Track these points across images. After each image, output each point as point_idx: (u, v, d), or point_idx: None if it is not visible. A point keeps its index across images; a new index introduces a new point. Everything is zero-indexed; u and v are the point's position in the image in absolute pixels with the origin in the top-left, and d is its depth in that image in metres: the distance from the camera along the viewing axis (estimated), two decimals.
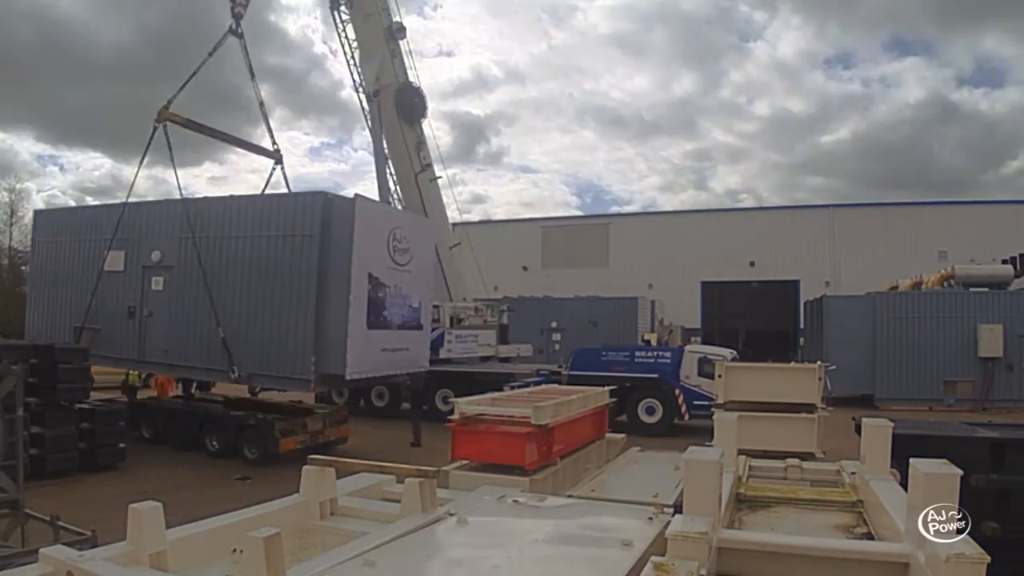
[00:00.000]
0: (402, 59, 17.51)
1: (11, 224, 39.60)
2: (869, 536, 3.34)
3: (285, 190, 15.74)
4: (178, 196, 14.29)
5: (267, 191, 15.84)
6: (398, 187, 17.82)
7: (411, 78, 17.50)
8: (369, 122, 18.30)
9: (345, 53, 18.44)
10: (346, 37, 18.24)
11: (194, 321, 12.64)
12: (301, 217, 11.86)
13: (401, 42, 17.48)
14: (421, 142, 16.63)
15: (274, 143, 16.36)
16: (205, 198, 14.36)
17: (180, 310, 12.95)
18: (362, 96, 18.63)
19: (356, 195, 12.05)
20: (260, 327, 11.95)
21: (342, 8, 17.85)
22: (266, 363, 11.93)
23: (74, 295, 14.49)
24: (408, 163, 16.57)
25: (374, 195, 16.53)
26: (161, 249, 13.25)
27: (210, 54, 15.08)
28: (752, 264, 38.95)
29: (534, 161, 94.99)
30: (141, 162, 14.70)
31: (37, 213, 18.95)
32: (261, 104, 16.18)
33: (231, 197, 13.83)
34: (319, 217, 11.60)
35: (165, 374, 15.19)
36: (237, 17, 15.03)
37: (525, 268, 41.46)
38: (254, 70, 15.63)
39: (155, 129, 14.05)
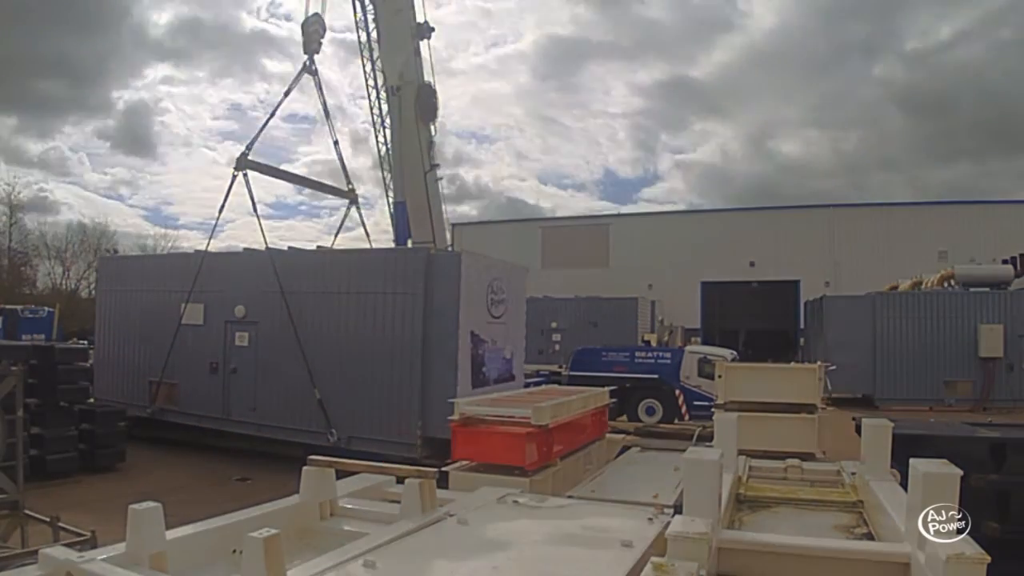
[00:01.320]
0: (421, 58, 17.56)
1: (11, 225, 39.66)
2: (869, 536, 3.33)
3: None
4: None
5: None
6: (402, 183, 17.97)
7: (427, 77, 17.61)
8: (383, 117, 18.57)
9: (360, 42, 18.52)
10: (365, 27, 18.29)
11: (284, 380, 12.01)
12: (403, 274, 11.23)
13: (422, 42, 17.53)
14: (432, 141, 16.77)
15: (349, 183, 16.38)
16: (293, 250, 13.71)
17: (268, 367, 12.23)
18: (372, 88, 18.79)
19: (463, 251, 11.69)
20: (359, 388, 11.32)
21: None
22: (367, 426, 11.24)
23: (144, 348, 13.87)
24: (419, 161, 16.71)
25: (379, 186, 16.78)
26: (245, 303, 12.54)
27: (285, 94, 14.98)
28: (752, 264, 38.93)
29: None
30: (221, 210, 13.74)
31: (101, 260, 18.78)
32: (336, 143, 16.28)
33: (323, 251, 13.12)
34: (422, 274, 11.03)
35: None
36: (311, 54, 14.91)
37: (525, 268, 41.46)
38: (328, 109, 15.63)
39: (234, 178, 13.33)
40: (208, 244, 13.82)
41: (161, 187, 76.07)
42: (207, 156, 76.21)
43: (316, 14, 15.21)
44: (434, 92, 16.61)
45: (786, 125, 70.83)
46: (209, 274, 13.07)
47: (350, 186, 16.39)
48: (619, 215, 49.20)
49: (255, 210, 13.26)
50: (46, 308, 26.82)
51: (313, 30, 15.09)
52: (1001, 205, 38.18)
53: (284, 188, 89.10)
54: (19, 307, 26.22)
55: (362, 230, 16.44)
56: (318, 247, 13.53)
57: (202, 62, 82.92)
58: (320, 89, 15.46)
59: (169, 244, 46.28)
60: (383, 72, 17.73)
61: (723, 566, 2.69)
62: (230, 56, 79.01)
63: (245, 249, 13.86)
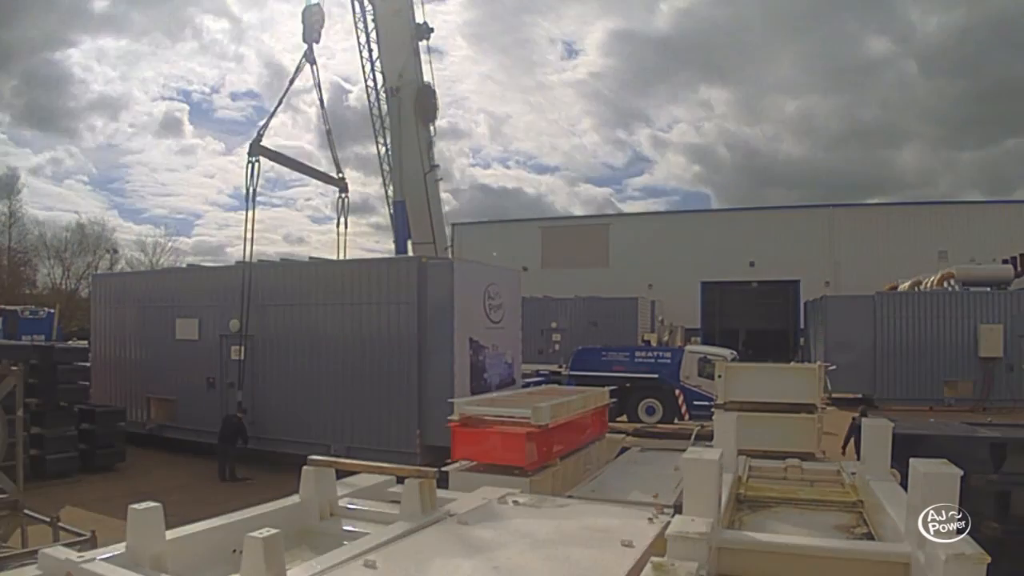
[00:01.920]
0: (420, 59, 17.50)
1: (10, 225, 39.65)
2: (869, 536, 3.33)
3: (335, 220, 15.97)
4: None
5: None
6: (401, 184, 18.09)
7: (428, 78, 17.59)
8: (383, 118, 18.63)
9: (360, 43, 18.63)
10: (364, 28, 18.34)
11: (282, 392, 12.01)
12: (396, 283, 11.27)
13: (421, 43, 17.53)
14: (431, 142, 16.79)
15: (339, 172, 16.74)
16: (286, 262, 13.87)
17: (265, 381, 12.22)
18: (371, 89, 18.89)
19: (454, 259, 11.81)
20: (358, 398, 11.33)
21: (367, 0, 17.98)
22: (367, 436, 11.22)
23: (139, 363, 13.93)
24: (419, 162, 16.78)
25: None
26: (239, 318, 12.42)
27: (290, 83, 15.58)
28: (752, 264, 38.93)
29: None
30: (249, 198, 13.14)
31: (95, 277, 19.40)
32: (329, 132, 16.56)
33: (315, 262, 13.27)
34: (415, 283, 11.05)
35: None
36: (311, 43, 15.37)
37: (525, 268, 41.42)
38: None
39: (250, 164, 13.58)
40: (245, 251, 13.08)
41: (106, 174, 67.42)
42: (158, 143, 71.69)
43: (317, 3, 15.50)
44: (433, 93, 16.67)
45: (781, 91, 62.39)
46: (203, 290, 13.21)
47: (340, 175, 16.75)
48: (619, 215, 49.26)
49: (253, 197, 13.06)
50: (46, 309, 26.82)
51: (315, 19, 15.37)
52: (1001, 205, 38.21)
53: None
54: (19, 308, 26.22)
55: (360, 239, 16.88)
56: (310, 258, 13.57)
57: (134, 30, 71.22)
58: (317, 81, 15.78)
59: (169, 244, 46.31)
60: (383, 73, 17.75)
61: (723, 566, 2.69)
62: (164, 22, 73.50)
63: (237, 263, 13.90)
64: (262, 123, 14.81)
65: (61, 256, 40.82)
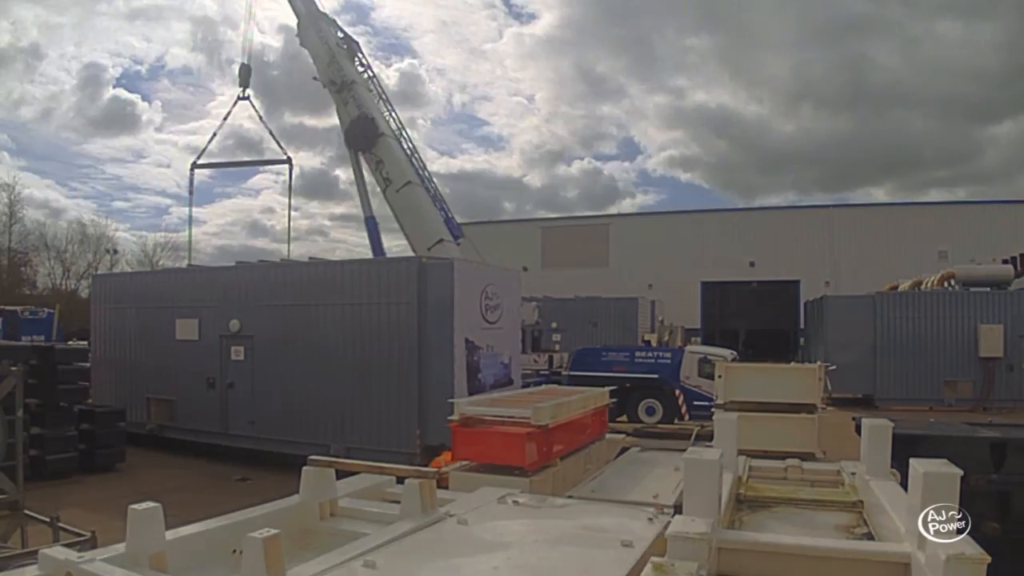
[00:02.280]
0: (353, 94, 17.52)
1: (10, 225, 39.64)
2: (869, 536, 3.33)
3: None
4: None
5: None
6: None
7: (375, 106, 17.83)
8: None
9: None
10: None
11: (281, 392, 12.02)
12: (395, 283, 11.35)
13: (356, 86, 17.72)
14: (380, 160, 16.83)
15: (284, 152, 20.68)
16: (285, 262, 14.06)
17: (265, 381, 12.30)
18: None
19: (454, 260, 11.89)
20: (358, 399, 11.39)
21: None
22: (366, 436, 11.27)
23: (140, 364, 14.03)
24: (377, 183, 17.14)
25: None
26: (240, 318, 12.57)
27: (224, 119, 20.06)
28: (752, 264, 38.96)
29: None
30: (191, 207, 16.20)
31: (95, 278, 20.55)
32: (270, 132, 21.49)
33: (315, 263, 13.41)
34: (415, 283, 11.15)
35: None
36: (244, 87, 19.69)
37: (525, 268, 41.43)
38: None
39: (192, 175, 19.06)
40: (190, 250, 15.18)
41: (58, 162, 62.22)
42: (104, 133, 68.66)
43: (245, 64, 19.79)
44: (370, 120, 16.75)
45: (774, 47, 56.65)
46: (204, 290, 13.26)
47: (287, 155, 20.57)
48: (619, 215, 49.32)
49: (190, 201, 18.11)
50: (46, 309, 26.83)
51: (246, 73, 19.74)
52: (1001, 205, 38.23)
53: None
54: (19, 308, 26.22)
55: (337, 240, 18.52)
56: (310, 259, 13.63)
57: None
58: (259, 114, 20.80)
59: (169, 242, 46.36)
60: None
61: (723, 566, 2.69)
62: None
63: (238, 263, 14.04)
64: (202, 148, 20.42)
65: (61, 256, 40.86)
